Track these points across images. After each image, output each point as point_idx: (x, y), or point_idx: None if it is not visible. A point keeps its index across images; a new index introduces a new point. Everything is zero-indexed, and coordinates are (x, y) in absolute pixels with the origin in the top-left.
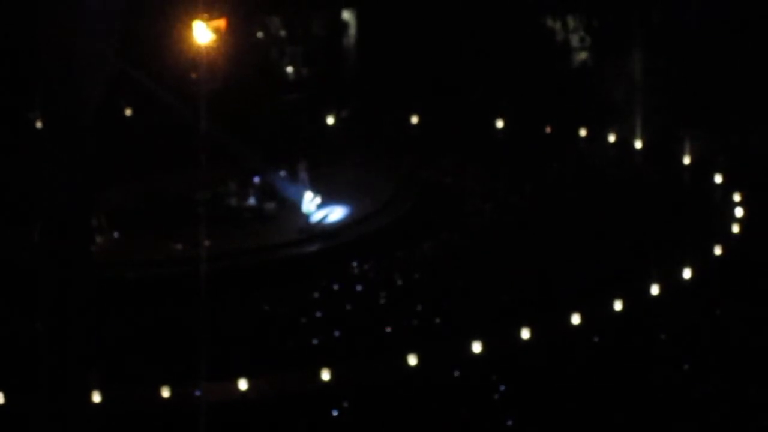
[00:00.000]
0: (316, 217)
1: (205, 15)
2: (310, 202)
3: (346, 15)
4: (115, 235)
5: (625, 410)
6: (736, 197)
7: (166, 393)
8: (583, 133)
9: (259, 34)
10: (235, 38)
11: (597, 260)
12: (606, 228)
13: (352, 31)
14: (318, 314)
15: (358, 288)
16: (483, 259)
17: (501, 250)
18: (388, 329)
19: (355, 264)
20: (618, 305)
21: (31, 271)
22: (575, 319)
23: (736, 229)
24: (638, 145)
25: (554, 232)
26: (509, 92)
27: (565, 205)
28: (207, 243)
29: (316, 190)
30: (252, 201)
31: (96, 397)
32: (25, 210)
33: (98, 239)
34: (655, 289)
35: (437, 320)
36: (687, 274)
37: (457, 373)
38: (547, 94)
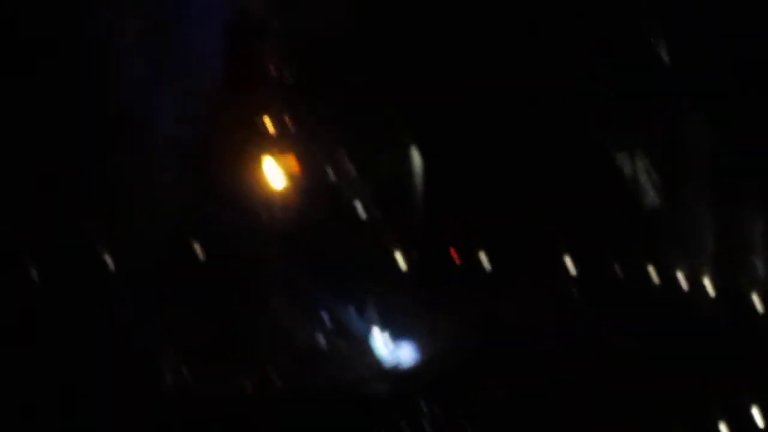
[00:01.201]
0: (387, 355)
1: (277, 151)
2: (379, 340)
3: (416, 154)
4: (186, 370)
5: None
6: None
7: None
8: (652, 272)
9: (330, 172)
10: (304, 177)
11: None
12: (680, 386)
13: (423, 169)
14: None
15: (429, 430)
16: (553, 404)
17: (571, 395)
18: None
19: (425, 405)
20: None
21: None
22: None
23: None
24: (710, 287)
25: (625, 381)
26: (577, 228)
27: (638, 352)
28: (276, 380)
29: (386, 328)
30: (321, 339)
31: None
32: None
33: (169, 374)
34: None
35: None
36: None
37: None
38: (616, 232)
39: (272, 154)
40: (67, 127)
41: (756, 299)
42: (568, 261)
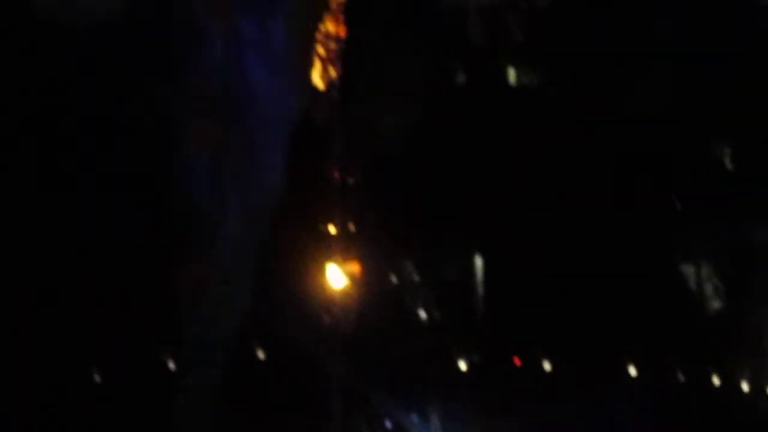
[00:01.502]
0: None
1: (340, 259)
2: None
3: (479, 260)
4: None
5: None
6: None
7: None
8: (716, 381)
9: (393, 279)
10: (368, 282)
11: None
12: None
13: (484, 274)
14: None
15: None
16: None
17: None
18: None
19: None
20: None
21: None
22: None
23: None
24: None
25: None
26: (640, 336)
27: None
28: None
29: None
30: None
31: None
32: None
33: None
34: None
35: None
36: None
37: None
38: (679, 340)
39: (335, 258)
40: (135, 238)
41: None
42: (631, 367)
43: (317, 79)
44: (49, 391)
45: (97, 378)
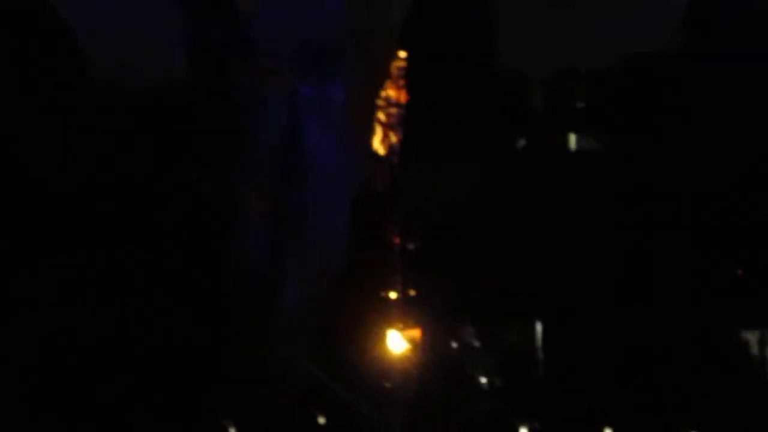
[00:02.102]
0: None
1: (401, 324)
2: None
3: (539, 325)
4: None
5: None
6: None
7: None
8: None
9: (453, 344)
10: (428, 348)
11: None
12: None
13: (544, 340)
14: None
15: None
16: None
17: None
18: None
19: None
20: None
21: None
22: None
23: None
24: None
25: None
26: (704, 408)
27: None
28: None
29: None
30: None
31: None
32: None
33: None
34: None
35: None
36: None
37: None
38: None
39: (395, 324)
40: (192, 304)
41: None
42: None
43: (378, 145)
44: None
45: None
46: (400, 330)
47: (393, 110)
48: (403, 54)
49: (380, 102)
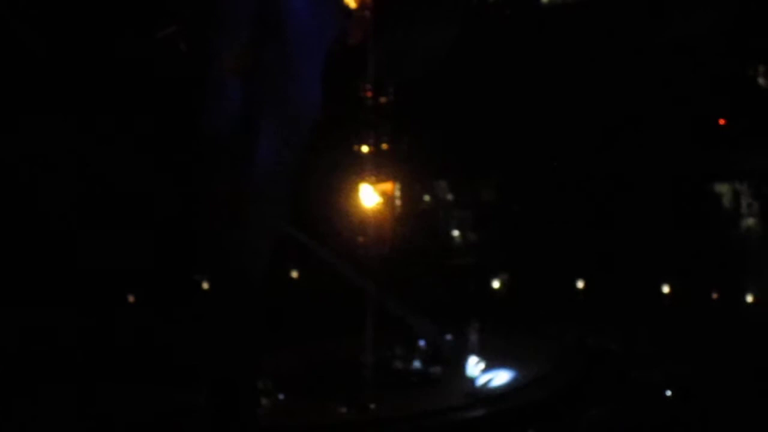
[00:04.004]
0: (482, 381)
1: (372, 178)
2: (475, 366)
3: (514, 181)
4: (281, 397)
5: None
6: None
7: None
8: (750, 299)
9: (426, 198)
10: (401, 202)
11: None
12: None
13: (520, 196)
14: None
15: None
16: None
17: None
18: None
19: (521, 430)
20: None
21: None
22: None
23: None
24: None
25: (725, 408)
26: (673, 258)
27: (737, 378)
28: (372, 407)
29: (482, 355)
30: (418, 365)
31: None
32: (191, 373)
33: (264, 402)
34: None
35: None
36: None
37: None
38: (711, 260)
39: (368, 178)
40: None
41: None
42: (665, 287)
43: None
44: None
45: (130, 299)
46: (373, 184)
47: None
48: None
49: None
